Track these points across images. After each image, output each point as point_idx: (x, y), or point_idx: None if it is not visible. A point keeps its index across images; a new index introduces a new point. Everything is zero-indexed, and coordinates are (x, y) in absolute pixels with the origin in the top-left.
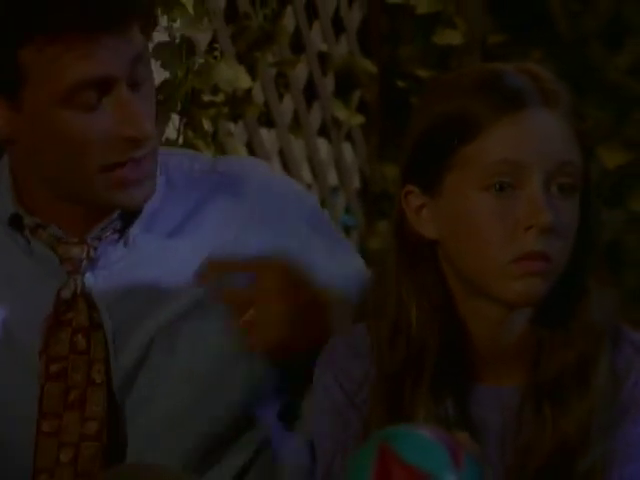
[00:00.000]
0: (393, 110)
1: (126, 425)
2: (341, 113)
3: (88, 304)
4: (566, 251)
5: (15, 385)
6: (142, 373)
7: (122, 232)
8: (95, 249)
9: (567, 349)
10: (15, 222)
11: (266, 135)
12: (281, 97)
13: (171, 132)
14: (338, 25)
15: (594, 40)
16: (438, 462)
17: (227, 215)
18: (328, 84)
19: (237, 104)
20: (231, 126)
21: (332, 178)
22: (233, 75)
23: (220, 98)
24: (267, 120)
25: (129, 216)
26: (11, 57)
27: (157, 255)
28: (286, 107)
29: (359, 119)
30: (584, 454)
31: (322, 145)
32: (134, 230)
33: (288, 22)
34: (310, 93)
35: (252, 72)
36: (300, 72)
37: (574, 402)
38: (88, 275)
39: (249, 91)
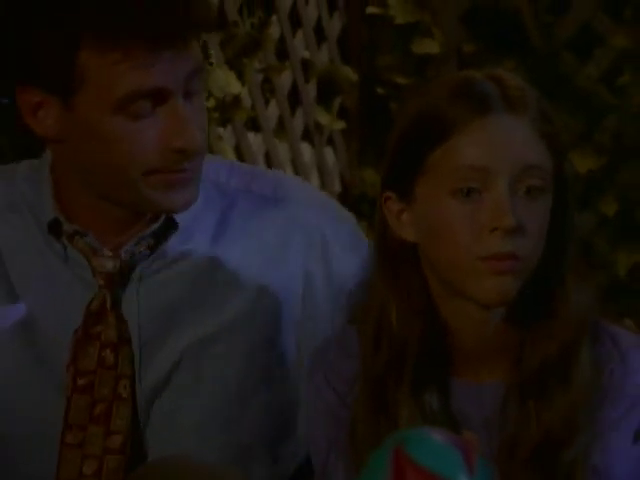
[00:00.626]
0: (373, 116)
1: (149, 439)
2: (323, 118)
3: (118, 319)
4: (537, 250)
5: (40, 394)
6: (167, 391)
7: (155, 248)
8: (128, 263)
9: (548, 344)
10: (54, 228)
11: (253, 139)
12: (267, 102)
13: None
14: (320, 34)
15: (565, 50)
16: (452, 465)
17: (257, 242)
18: (310, 90)
19: (226, 109)
20: (220, 130)
21: (314, 181)
22: (225, 81)
23: (211, 103)
24: (253, 124)
25: (163, 231)
26: (71, 58)
27: (188, 274)
28: (271, 112)
29: (340, 124)
30: (569, 445)
31: (305, 149)
32: (167, 247)
33: (273, 30)
34: (294, 99)
35: (240, 78)
36: (284, 79)
37: (557, 396)
38: (119, 289)
39: (237, 97)
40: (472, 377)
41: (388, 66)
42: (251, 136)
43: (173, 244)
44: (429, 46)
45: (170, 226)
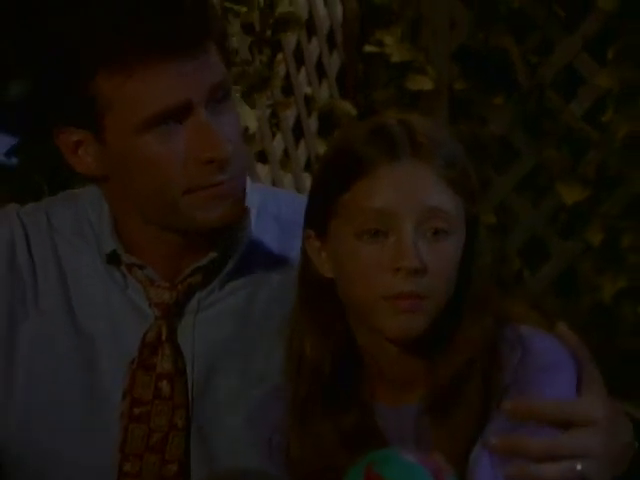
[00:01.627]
0: None
1: (202, 468)
2: (324, 151)
3: (173, 349)
4: (444, 289)
5: (93, 421)
6: (218, 424)
7: (211, 279)
8: (184, 294)
9: (446, 371)
10: (113, 258)
11: (261, 169)
12: (273, 135)
13: None
14: (320, 70)
15: (550, 88)
16: None
17: None
18: (312, 124)
19: None
20: None
21: None
22: (242, 115)
23: None
24: (260, 156)
25: (219, 262)
26: (89, 88)
27: (243, 308)
28: (277, 144)
29: None
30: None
31: (307, 179)
32: (223, 279)
33: (280, 68)
34: (297, 132)
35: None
36: (289, 113)
37: (458, 414)
38: (175, 320)
39: (246, 129)
40: (390, 400)
41: (384, 101)
42: (259, 167)
43: (229, 276)
44: (422, 83)
45: (226, 257)
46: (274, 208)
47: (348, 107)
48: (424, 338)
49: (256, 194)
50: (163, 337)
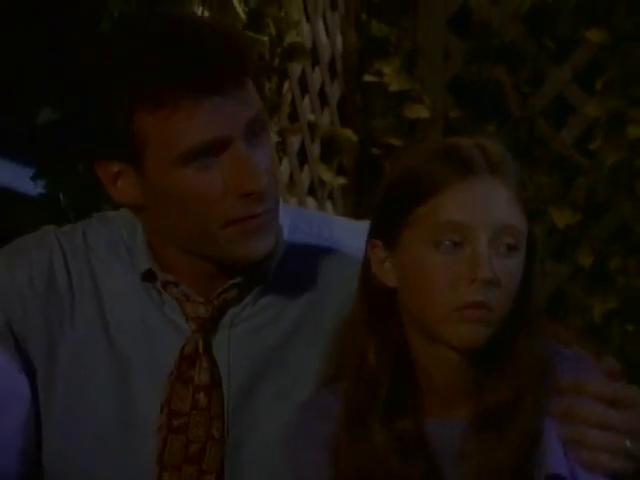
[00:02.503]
0: (367, 174)
1: (238, 478)
2: (326, 175)
3: (210, 362)
4: (508, 301)
5: (130, 435)
6: (254, 435)
7: (246, 294)
8: (219, 309)
9: (503, 388)
10: (149, 276)
11: None
12: (280, 160)
13: None
14: (322, 98)
15: (541, 117)
16: None
17: (345, 294)
18: (315, 150)
19: None
20: None
21: None
22: None
23: None
24: None
25: (253, 278)
26: (129, 124)
27: (273, 321)
28: (284, 169)
29: (340, 181)
30: (520, 471)
31: (310, 202)
32: (257, 295)
33: (287, 95)
34: (301, 157)
35: None
36: (294, 138)
37: (511, 431)
38: (211, 334)
39: None
40: (439, 413)
41: (382, 129)
42: None
43: (262, 293)
44: (419, 111)
45: (260, 274)
46: (305, 227)
47: (349, 134)
48: (479, 352)
49: (287, 214)
50: (200, 350)
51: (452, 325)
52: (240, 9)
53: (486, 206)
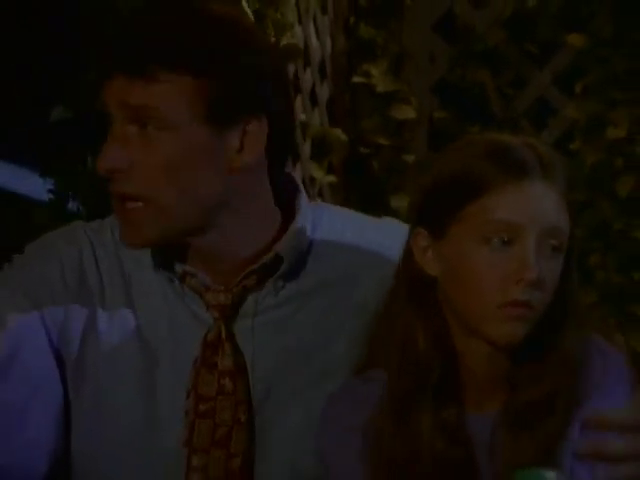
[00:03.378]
0: (355, 172)
1: (263, 462)
2: (316, 173)
3: (233, 349)
4: (546, 301)
5: (155, 421)
6: (279, 420)
7: (264, 281)
8: (239, 297)
9: (538, 386)
10: (171, 268)
11: None
12: None
13: None
14: (312, 99)
15: (523, 119)
16: None
17: (364, 291)
18: (306, 149)
19: None
20: None
21: None
22: None
23: None
24: None
25: (272, 266)
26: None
27: (297, 311)
28: None
29: (330, 178)
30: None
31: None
32: (277, 282)
33: None
34: (294, 156)
35: None
36: None
37: (543, 426)
38: (232, 322)
39: None
40: (476, 405)
41: (370, 128)
42: None
43: (284, 281)
44: (406, 112)
45: (278, 261)
46: (328, 222)
47: (339, 133)
48: (515, 347)
49: (311, 209)
50: (223, 336)
51: (494, 322)
52: (249, 12)
53: (538, 208)
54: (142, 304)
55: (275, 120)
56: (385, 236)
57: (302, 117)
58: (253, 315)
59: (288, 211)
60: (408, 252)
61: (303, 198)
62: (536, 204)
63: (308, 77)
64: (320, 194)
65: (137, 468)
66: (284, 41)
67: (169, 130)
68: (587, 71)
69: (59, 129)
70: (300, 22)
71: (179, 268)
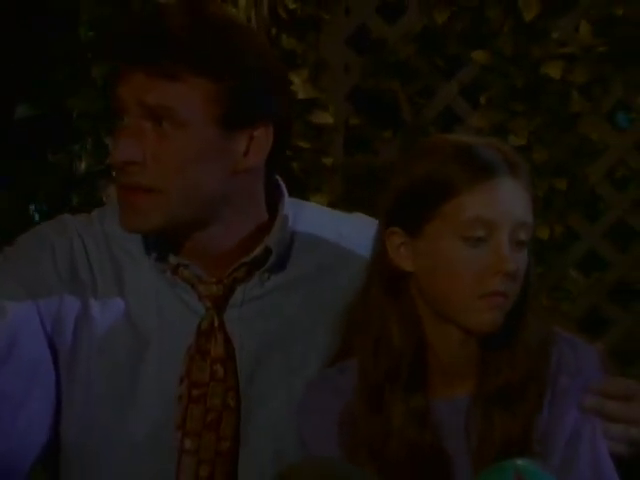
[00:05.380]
0: (278, 173)
1: (249, 445)
2: None
3: (224, 337)
4: (518, 291)
5: (150, 405)
6: (263, 404)
7: (253, 273)
8: (230, 287)
9: (511, 369)
10: (163, 259)
11: None
12: None
13: None
14: None
15: (431, 126)
16: None
17: (347, 283)
18: None
19: None
20: None
21: None
22: None
23: None
24: None
25: (261, 259)
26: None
27: (281, 300)
28: None
29: None
30: (529, 446)
31: None
32: (263, 274)
33: None
34: None
35: None
36: None
37: (518, 407)
38: (224, 311)
39: None
40: (444, 391)
41: (292, 132)
42: None
43: (269, 273)
44: (324, 118)
45: (267, 255)
46: (306, 217)
47: None
48: (488, 334)
49: (290, 205)
50: (216, 325)
51: (475, 312)
52: None
53: (508, 204)
54: (133, 294)
55: (280, 128)
56: (359, 230)
57: None
58: (240, 305)
59: (271, 208)
60: (381, 250)
61: (286, 196)
62: (506, 201)
63: None
64: None
65: (122, 452)
66: None
67: (183, 128)
68: (490, 84)
69: (18, 127)
70: None
71: (173, 260)
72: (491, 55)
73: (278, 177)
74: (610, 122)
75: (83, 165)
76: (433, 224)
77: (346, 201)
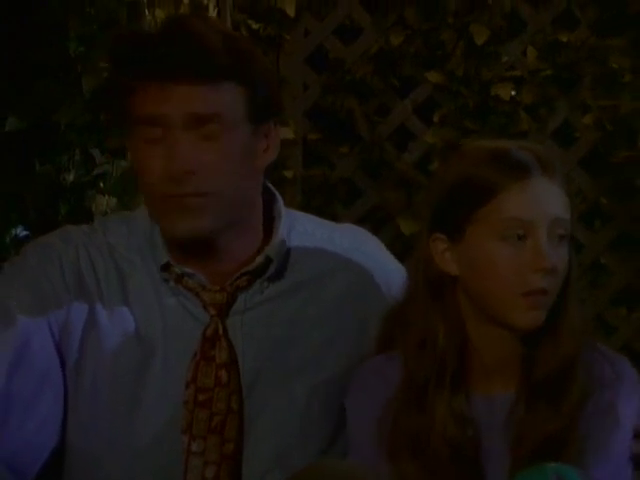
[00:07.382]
0: None
1: (252, 447)
2: None
3: (228, 343)
4: (559, 285)
5: (157, 409)
6: (266, 407)
7: (254, 281)
8: (232, 295)
9: (552, 359)
10: (166, 269)
11: None
12: None
13: None
14: None
15: (387, 142)
16: None
17: (346, 289)
18: None
19: None
20: None
21: None
22: None
23: None
24: None
25: (262, 269)
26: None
27: (281, 308)
28: None
29: None
30: (569, 445)
31: None
32: (264, 282)
33: None
34: None
35: None
36: None
37: (561, 401)
38: (227, 319)
39: None
40: (483, 388)
41: None
42: None
43: (270, 281)
44: (285, 133)
45: (268, 263)
46: (300, 227)
47: None
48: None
49: (286, 216)
50: (220, 332)
51: (519, 311)
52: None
53: (543, 203)
54: (137, 303)
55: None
56: (350, 238)
57: None
58: (242, 312)
59: (267, 216)
60: (427, 256)
61: (281, 203)
62: (542, 199)
63: None
64: None
65: (127, 457)
66: None
67: (227, 131)
68: (443, 103)
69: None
70: None
71: (178, 270)
72: (444, 76)
73: (268, 184)
74: (555, 140)
75: (71, 176)
76: (473, 227)
77: (304, 211)
